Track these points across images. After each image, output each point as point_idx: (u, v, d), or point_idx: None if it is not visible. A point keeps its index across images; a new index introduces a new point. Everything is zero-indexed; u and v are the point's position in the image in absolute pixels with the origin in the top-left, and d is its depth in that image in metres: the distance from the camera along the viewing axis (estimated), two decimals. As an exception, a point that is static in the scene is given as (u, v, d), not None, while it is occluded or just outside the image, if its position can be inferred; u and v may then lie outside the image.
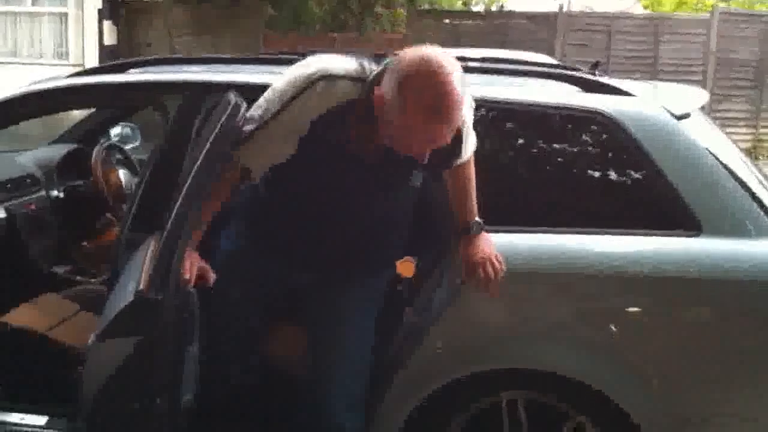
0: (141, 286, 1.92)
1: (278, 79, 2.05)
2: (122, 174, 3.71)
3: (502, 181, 2.34)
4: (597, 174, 2.32)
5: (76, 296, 3.13)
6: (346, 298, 2.25)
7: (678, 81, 3.54)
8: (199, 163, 1.95)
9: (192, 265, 2.00)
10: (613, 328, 2.15)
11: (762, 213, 2.17)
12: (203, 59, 2.89)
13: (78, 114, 4.26)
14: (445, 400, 2.25)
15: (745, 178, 2.27)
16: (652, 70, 11.18)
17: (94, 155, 3.61)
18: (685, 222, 2.17)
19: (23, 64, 11.61)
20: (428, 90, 1.81)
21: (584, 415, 2.22)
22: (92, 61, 11.26)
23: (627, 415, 2.15)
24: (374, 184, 2.11)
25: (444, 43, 2.09)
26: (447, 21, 11.83)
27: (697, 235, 2.16)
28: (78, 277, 3.48)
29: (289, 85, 2.00)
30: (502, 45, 9.72)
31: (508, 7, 11.85)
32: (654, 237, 2.19)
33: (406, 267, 2.29)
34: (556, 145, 2.37)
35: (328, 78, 1.96)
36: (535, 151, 2.36)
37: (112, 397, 2.02)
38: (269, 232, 2.25)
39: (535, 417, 2.25)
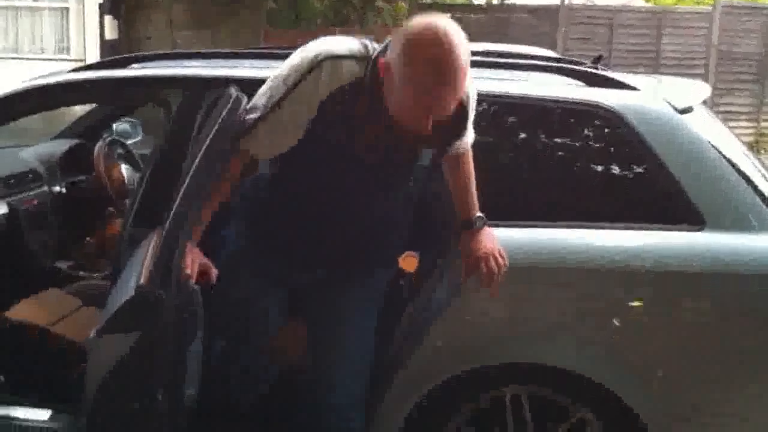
0: (141, 281, 1.92)
1: (280, 67, 2.04)
2: (124, 169, 3.70)
3: (504, 175, 2.33)
4: (600, 168, 2.31)
5: (79, 292, 3.13)
6: (346, 298, 2.23)
7: (680, 75, 3.53)
8: (199, 158, 1.95)
9: (193, 262, 2.00)
10: (615, 322, 2.15)
11: (765, 207, 2.17)
12: (205, 54, 2.88)
13: (80, 109, 4.26)
14: (445, 397, 2.24)
15: (748, 173, 2.27)
16: (654, 63, 11.16)
17: (96, 150, 3.61)
18: (688, 216, 2.16)
19: (24, 59, 11.60)
20: (433, 49, 1.81)
21: (587, 409, 2.22)
22: (93, 56, 11.24)
23: (630, 409, 2.15)
24: (374, 184, 2.11)
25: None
26: (449, 15, 11.76)
27: (700, 230, 2.15)
28: (80, 273, 3.48)
29: (292, 70, 1.98)
30: (504, 39, 9.69)
31: (509, 0, 11.82)
32: (657, 231, 2.19)
33: (408, 262, 2.29)
34: (559, 140, 2.36)
35: (332, 59, 1.95)
36: (538, 145, 2.36)
37: (112, 392, 2.01)
38: (269, 232, 2.24)
39: (538, 412, 2.25)
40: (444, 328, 2.22)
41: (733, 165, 2.23)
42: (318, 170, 2.08)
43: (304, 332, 2.30)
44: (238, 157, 2.08)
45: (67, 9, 12.01)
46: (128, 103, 3.75)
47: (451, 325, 2.23)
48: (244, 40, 10.27)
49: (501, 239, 2.17)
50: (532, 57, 3.15)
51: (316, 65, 1.94)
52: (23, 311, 2.90)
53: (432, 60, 1.81)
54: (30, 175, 3.48)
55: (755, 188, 2.21)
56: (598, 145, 2.34)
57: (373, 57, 1.95)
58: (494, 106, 2.34)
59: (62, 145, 3.80)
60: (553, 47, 9.82)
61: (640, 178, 2.26)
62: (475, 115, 2.14)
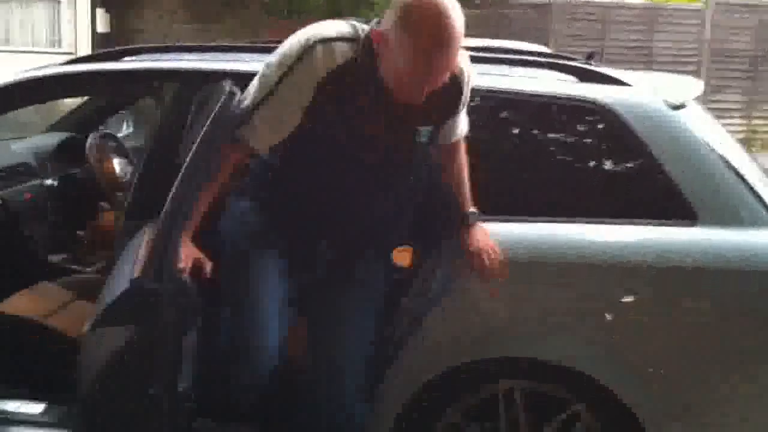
0: (136, 274, 1.92)
1: (270, 56, 2.04)
2: (117, 162, 3.69)
3: (498, 171, 2.33)
4: (593, 164, 2.32)
5: (72, 285, 3.12)
6: (346, 298, 2.23)
7: (673, 71, 3.54)
8: (193, 152, 1.94)
9: (188, 256, 2.00)
10: (608, 317, 2.16)
11: (757, 203, 2.18)
12: (199, 47, 2.87)
13: (72, 102, 4.24)
14: (440, 390, 2.25)
15: (740, 168, 2.27)
16: (647, 60, 11.18)
17: (88, 143, 3.59)
18: (680, 211, 2.17)
19: (16, 51, 11.54)
20: (430, 13, 1.84)
21: (581, 403, 2.23)
22: (85, 48, 11.20)
23: (624, 404, 2.16)
24: (374, 183, 2.11)
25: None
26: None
27: (692, 225, 2.17)
28: (74, 266, 3.48)
29: (285, 57, 1.98)
30: (497, 35, 9.69)
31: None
32: (650, 226, 2.20)
33: (402, 256, 2.29)
34: (552, 135, 2.36)
35: (324, 42, 1.95)
36: (530, 141, 2.36)
37: (106, 386, 2.01)
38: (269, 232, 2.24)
39: (532, 406, 2.26)
40: (441, 321, 2.23)
41: (726, 161, 2.24)
42: (318, 170, 2.08)
43: (304, 332, 2.30)
44: (237, 149, 2.07)
45: (59, 1, 11.94)
46: (121, 96, 3.73)
47: (449, 318, 2.24)
48: (238, 32, 10.25)
49: (493, 234, 2.17)
50: (525, 53, 3.15)
51: (307, 49, 1.95)
52: (16, 304, 2.89)
53: (429, 24, 1.83)
54: (22, 168, 3.47)
55: (747, 184, 2.22)
56: (590, 141, 2.35)
57: (365, 35, 1.96)
58: (487, 101, 2.34)
59: (54, 139, 3.79)
60: (546, 43, 9.82)
61: (632, 173, 2.27)
62: (468, 111, 2.14)
